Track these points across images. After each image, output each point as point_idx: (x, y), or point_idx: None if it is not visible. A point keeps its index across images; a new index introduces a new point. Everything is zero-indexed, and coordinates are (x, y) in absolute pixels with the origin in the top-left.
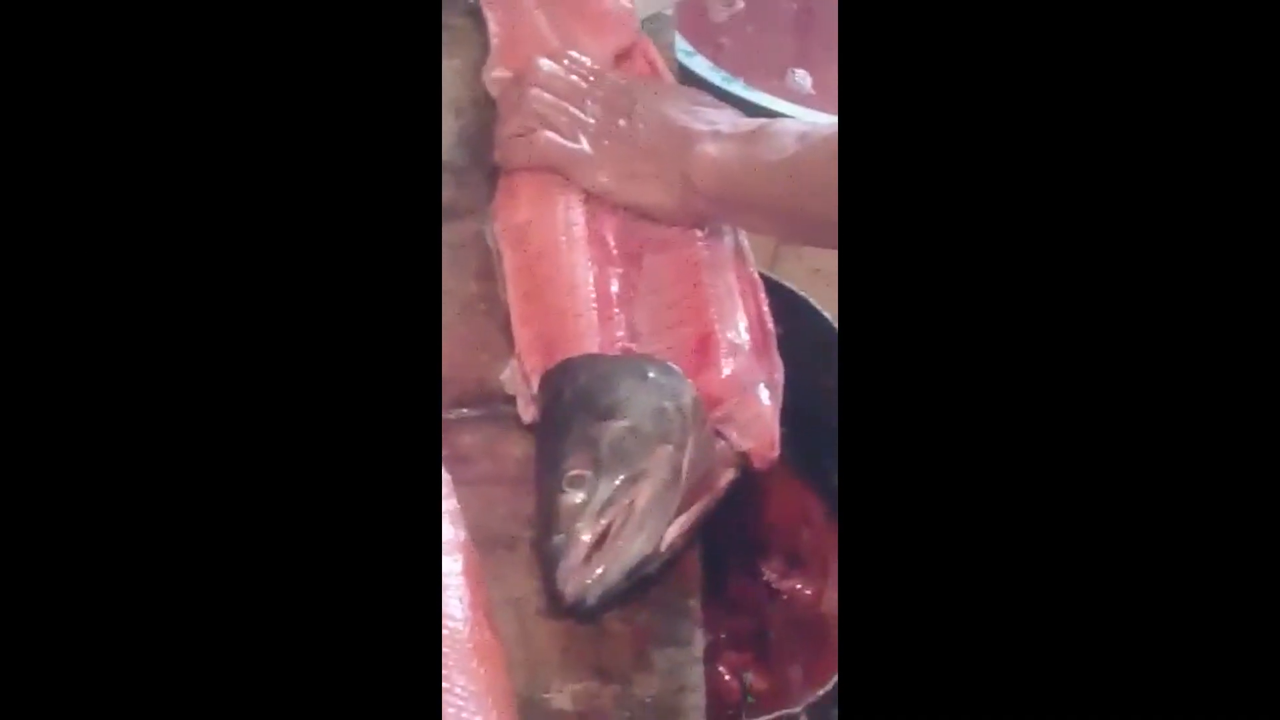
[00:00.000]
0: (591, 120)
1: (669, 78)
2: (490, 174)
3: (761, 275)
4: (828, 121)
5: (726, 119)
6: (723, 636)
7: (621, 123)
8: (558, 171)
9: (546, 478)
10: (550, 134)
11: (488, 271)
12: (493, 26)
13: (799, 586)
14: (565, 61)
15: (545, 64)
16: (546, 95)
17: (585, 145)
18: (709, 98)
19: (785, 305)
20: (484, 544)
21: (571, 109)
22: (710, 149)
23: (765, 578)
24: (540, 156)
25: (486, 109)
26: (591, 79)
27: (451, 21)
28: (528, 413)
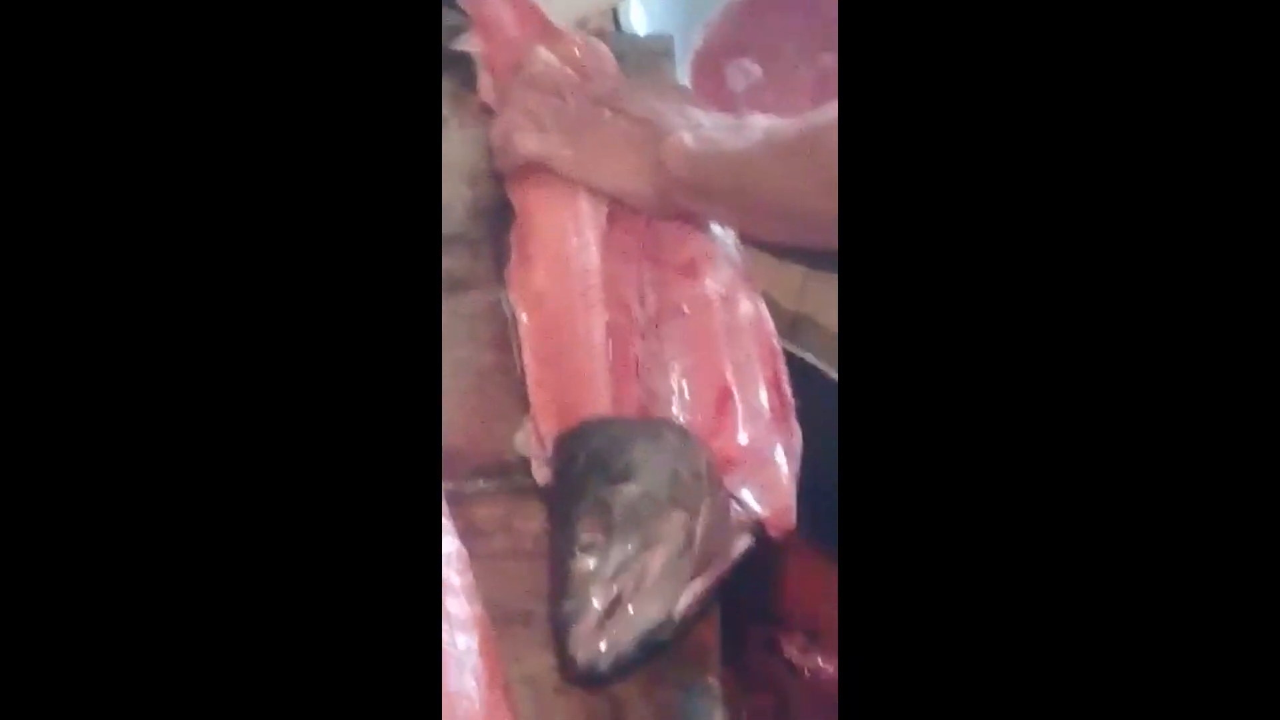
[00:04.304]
0: (577, 111)
1: None
2: (503, 245)
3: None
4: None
5: (710, 118)
6: (744, 714)
7: (608, 114)
8: (541, 164)
9: (559, 542)
10: (530, 129)
11: (503, 342)
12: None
13: (820, 663)
14: (572, 51)
15: (542, 53)
16: (531, 91)
17: (564, 135)
18: (701, 105)
19: (804, 377)
20: (500, 620)
21: (556, 101)
22: (686, 137)
23: (786, 654)
24: (519, 152)
25: (500, 181)
26: (588, 73)
27: (459, 91)
28: (541, 474)
